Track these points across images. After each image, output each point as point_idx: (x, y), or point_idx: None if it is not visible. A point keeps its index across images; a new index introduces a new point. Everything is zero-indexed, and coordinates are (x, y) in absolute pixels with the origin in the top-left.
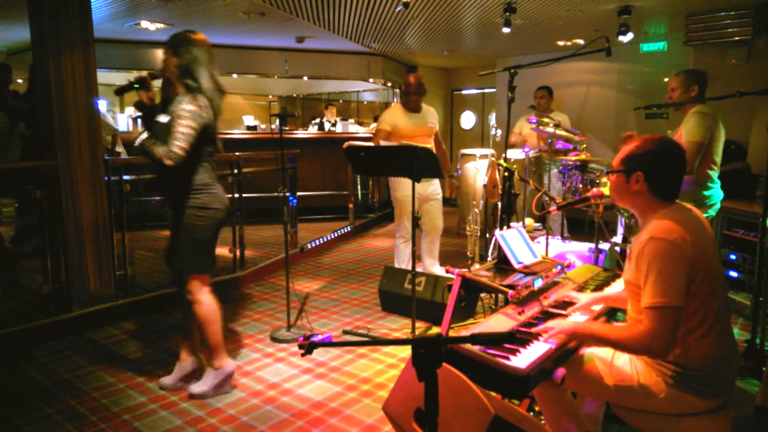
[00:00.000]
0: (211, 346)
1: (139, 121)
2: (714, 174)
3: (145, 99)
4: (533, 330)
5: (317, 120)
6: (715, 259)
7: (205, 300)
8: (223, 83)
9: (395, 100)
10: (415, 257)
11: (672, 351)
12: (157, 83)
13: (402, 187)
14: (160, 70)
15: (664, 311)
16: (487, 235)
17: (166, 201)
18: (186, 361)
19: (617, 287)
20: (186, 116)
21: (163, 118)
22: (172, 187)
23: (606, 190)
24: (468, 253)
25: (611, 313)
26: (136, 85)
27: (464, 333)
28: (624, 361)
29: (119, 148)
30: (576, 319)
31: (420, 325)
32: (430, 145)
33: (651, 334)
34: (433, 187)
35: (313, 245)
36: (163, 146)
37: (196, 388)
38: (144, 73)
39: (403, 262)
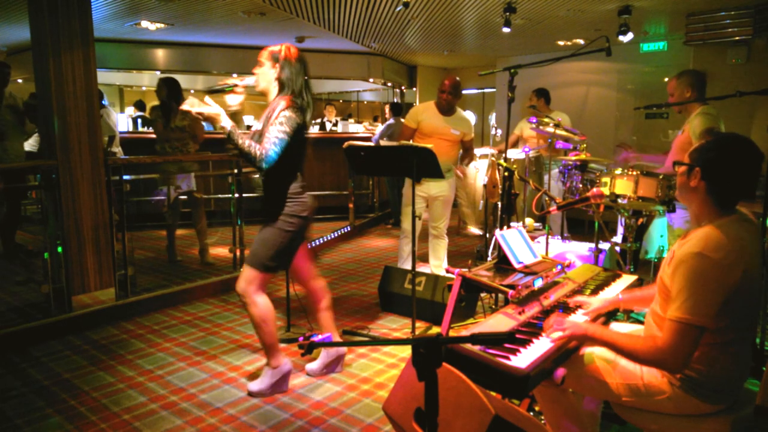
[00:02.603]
0: (266, 346)
1: (140, 120)
2: None
3: (232, 104)
4: (543, 324)
5: (318, 120)
6: (755, 277)
7: (260, 301)
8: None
9: (395, 99)
10: (416, 257)
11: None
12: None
13: (405, 184)
14: (256, 81)
15: (689, 329)
16: (487, 235)
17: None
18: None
19: (618, 287)
20: (284, 122)
21: (257, 125)
22: (268, 191)
23: (606, 190)
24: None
25: (611, 313)
26: (226, 89)
27: (464, 333)
28: (628, 360)
29: (116, 149)
30: (578, 318)
31: (420, 325)
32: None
33: (668, 350)
34: (438, 188)
35: (313, 245)
36: (256, 145)
37: (254, 386)
38: (237, 81)
39: (401, 259)
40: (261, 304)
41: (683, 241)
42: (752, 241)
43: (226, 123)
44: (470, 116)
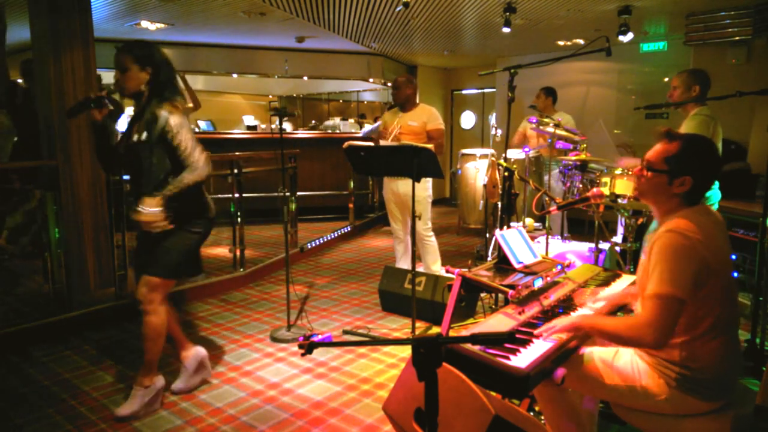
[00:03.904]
0: (151, 362)
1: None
2: None
3: (99, 118)
4: (535, 331)
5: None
6: (728, 265)
7: (162, 312)
8: (222, 83)
9: None
10: (415, 256)
11: (676, 353)
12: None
13: (383, 186)
14: (120, 85)
15: (668, 300)
16: (487, 235)
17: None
18: (189, 359)
19: (619, 287)
20: (180, 130)
21: (146, 135)
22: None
23: (606, 190)
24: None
25: (612, 313)
26: (92, 105)
27: (464, 333)
28: (626, 361)
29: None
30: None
31: (420, 325)
32: (430, 145)
33: (648, 323)
34: (406, 187)
35: (313, 245)
36: (184, 174)
37: (124, 410)
38: (100, 92)
39: (397, 259)
40: (163, 315)
41: (651, 236)
42: (712, 222)
43: (158, 204)
44: (470, 115)
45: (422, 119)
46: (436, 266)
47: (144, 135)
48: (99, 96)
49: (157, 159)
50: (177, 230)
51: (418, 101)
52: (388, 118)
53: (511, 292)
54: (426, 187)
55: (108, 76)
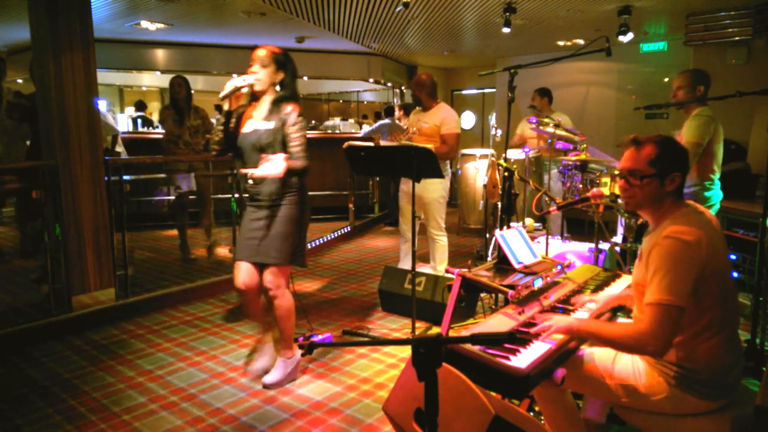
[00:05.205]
0: (287, 337)
1: (140, 121)
2: (714, 175)
3: (234, 105)
4: (531, 330)
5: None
6: (725, 264)
7: (288, 294)
8: (222, 83)
9: (395, 100)
10: (416, 256)
11: (673, 352)
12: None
13: (400, 185)
14: (255, 79)
15: (667, 309)
16: (487, 235)
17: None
18: (270, 342)
19: (618, 287)
20: (302, 127)
21: (268, 125)
22: (275, 186)
23: (606, 190)
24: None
25: (613, 313)
26: (231, 92)
27: (464, 333)
28: (626, 361)
29: (119, 148)
30: (576, 317)
31: (420, 325)
32: (430, 145)
33: (649, 332)
34: (420, 187)
35: (313, 245)
36: (294, 160)
37: (270, 378)
38: (243, 81)
39: (401, 259)
40: (290, 296)
41: (648, 237)
42: (706, 221)
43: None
44: (470, 115)
45: (434, 121)
46: (441, 267)
47: (271, 125)
48: (233, 89)
49: (282, 146)
50: (281, 221)
51: (437, 101)
52: (411, 117)
53: (511, 292)
54: (438, 188)
55: (108, 76)
